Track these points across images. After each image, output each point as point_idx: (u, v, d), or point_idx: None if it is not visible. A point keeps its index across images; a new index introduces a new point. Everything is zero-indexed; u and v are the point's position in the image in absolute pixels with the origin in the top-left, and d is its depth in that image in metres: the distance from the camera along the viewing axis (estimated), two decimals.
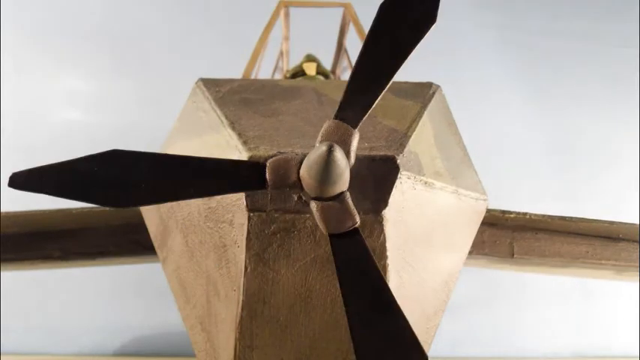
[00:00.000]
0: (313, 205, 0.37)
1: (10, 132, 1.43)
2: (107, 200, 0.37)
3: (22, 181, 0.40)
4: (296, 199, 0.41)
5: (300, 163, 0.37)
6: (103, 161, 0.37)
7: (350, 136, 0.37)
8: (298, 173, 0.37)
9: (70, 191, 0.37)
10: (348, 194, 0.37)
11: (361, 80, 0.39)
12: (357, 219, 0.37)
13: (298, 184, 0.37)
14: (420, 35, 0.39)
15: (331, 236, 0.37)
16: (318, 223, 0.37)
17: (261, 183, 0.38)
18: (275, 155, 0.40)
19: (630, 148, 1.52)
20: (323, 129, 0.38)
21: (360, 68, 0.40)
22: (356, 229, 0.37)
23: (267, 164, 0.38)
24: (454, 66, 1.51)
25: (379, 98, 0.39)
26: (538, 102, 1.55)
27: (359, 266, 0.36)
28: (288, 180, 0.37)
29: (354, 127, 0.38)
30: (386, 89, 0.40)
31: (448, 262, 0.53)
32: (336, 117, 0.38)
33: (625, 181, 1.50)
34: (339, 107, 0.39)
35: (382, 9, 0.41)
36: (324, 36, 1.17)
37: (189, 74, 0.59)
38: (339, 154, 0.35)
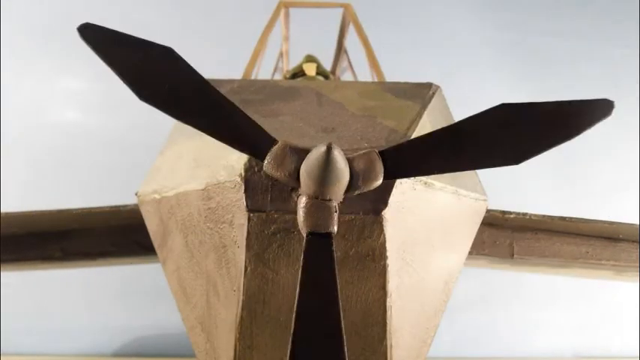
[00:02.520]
0: (303, 199, 0.36)
1: (10, 132, 1.43)
2: (135, 86, 0.38)
3: (91, 33, 0.41)
4: (296, 199, 0.41)
5: (298, 162, 0.37)
6: (158, 53, 0.39)
7: (375, 179, 0.37)
8: (297, 177, 0.37)
9: (118, 65, 0.39)
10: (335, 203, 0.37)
11: (430, 148, 0.38)
12: (336, 228, 0.36)
13: (295, 175, 0.37)
14: (497, 163, 0.37)
15: (309, 235, 0.36)
16: (300, 219, 0.37)
17: (263, 153, 0.38)
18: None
19: (630, 148, 1.52)
20: (360, 153, 0.37)
21: (439, 139, 0.38)
22: (331, 235, 0.36)
23: (279, 142, 0.38)
24: (454, 66, 1.51)
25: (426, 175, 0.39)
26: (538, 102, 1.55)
27: (322, 272, 0.36)
28: (288, 166, 0.37)
29: (385, 177, 0.37)
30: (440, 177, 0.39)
31: (448, 262, 0.53)
32: (382, 153, 0.38)
33: (625, 181, 1.50)
34: (394, 149, 0.38)
35: (501, 109, 0.38)
36: (324, 36, 1.17)
37: None
38: (338, 155, 0.34)
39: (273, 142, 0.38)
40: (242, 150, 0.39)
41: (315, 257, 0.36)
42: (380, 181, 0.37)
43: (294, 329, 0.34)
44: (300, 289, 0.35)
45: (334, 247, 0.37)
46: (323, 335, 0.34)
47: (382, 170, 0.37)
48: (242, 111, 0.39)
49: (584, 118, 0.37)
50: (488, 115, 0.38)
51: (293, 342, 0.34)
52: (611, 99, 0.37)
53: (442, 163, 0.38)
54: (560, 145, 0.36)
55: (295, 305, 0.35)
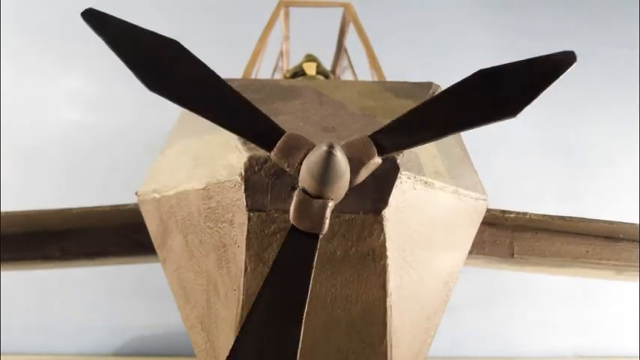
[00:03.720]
0: (298, 193, 0.36)
1: (10, 132, 1.43)
2: (143, 77, 0.37)
3: (94, 18, 0.40)
4: None
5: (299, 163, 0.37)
6: (164, 44, 0.39)
7: (371, 157, 0.37)
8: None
9: (125, 53, 0.38)
10: (332, 205, 0.37)
11: (418, 120, 0.39)
12: (325, 230, 0.36)
13: (298, 168, 0.37)
14: (492, 118, 0.39)
15: (292, 229, 0.36)
16: (292, 211, 0.36)
17: (270, 144, 0.38)
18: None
19: (630, 148, 1.52)
20: (350, 140, 0.38)
21: (425, 110, 0.40)
22: (317, 236, 0.36)
23: (287, 133, 0.38)
24: (454, 66, 1.51)
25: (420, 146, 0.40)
26: (538, 102, 1.55)
27: (296, 270, 0.35)
28: (294, 157, 0.37)
29: (380, 154, 0.38)
30: (431, 143, 0.40)
31: (448, 262, 0.53)
32: (372, 136, 0.38)
33: (625, 181, 1.50)
34: (383, 129, 0.39)
35: (478, 75, 0.41)
36: (324, 36, 1.17)
37: None
38: (339, 154, 0.34)
39: (282, 132, 0.38)
40: (250, 139, 0.39)
41: (292, 255, 0.36)
42: (376, 160, 0.38)
43: (241, 331, 0.33)
44: (266, 284, 0.35)
45: (317, 250, 0.36)
46: (274, 347, 0.33)
47: (375, 149, 0.38)
48: (250, 102, 0.39)
49: (553, 70, 0.41)
50: (469, 81, 0.40)
51: (233, 348, 0.33)
52: (571, 50, 0.42)
53: (434, 129, 0.39)
54: (539, 94, 0.40)
55: (251, 306, 0.34)
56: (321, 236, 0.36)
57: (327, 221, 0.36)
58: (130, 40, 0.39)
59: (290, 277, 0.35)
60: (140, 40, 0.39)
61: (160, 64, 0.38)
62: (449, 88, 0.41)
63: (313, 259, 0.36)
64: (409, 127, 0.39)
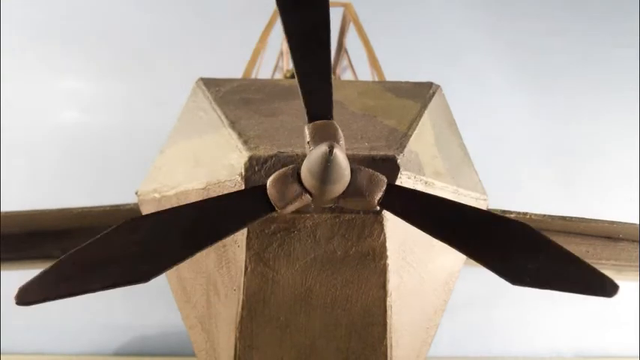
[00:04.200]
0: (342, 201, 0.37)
1: (10, 132, 1.43)
2: (132, 279, 0.37)
3: (31, 293, 0.36)
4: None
5: (296, 171, 0.37)
6: (104, 245, 0.37)
7: (335, 130, 0.37)
8: (299, 180, 0.36)
9: (84, 285, 0.35)
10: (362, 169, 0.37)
11: (309, 76, 0.39)
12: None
13: (303, 189, 0.36)
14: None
15: None
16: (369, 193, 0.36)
17: (271, 206, 0.37)
18: (275, 155, 0.40)
19: (630, 148, 1.52)
20: (310, 132, 0.37)
21: (302, 66, 0.39)
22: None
23: (268, 187, 0.37)
24: (454, 66, 1.51)
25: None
26: (538, 102, 1.55)
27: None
28: (293, 193, 0.36)
29: (380, 207, 0.38)
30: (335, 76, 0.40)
31: (448, 262, 0.53)
32: (311, 119, 0.38)
33: (625, 182, 1.50)
34: (307, 109, 0.38)
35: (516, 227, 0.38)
36: None
37: (190, 74, 0.59)
38: (339, 154, 0.35)
39: (260, 190, 0.37)
40: (255, 220, 0.38)
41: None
42: (373, 207, 0.37)
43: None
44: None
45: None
46: None
47: (379, 197, 0.37)
48: (208, 200, 0.38)
49: (587, 286, 0.36)
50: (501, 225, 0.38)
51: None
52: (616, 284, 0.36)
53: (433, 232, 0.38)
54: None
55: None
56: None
57: None
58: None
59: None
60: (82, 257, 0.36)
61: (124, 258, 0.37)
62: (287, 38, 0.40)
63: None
64: (422, 209, 0.38)
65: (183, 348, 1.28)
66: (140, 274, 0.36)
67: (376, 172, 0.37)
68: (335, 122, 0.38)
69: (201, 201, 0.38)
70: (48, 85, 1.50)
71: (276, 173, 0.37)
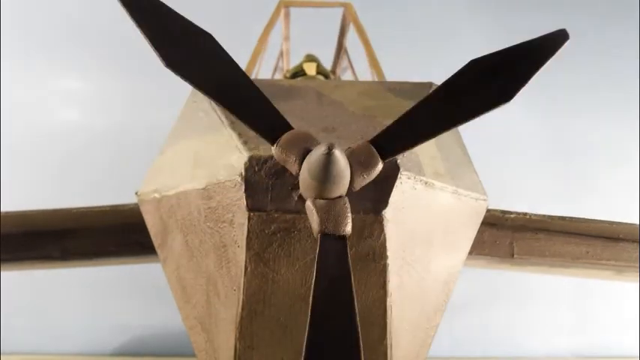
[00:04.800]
0: (311, 202, 0.36)
1: (10, 132, 1.43)
2: (162, 51, 0.38)
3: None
4: (296, 199, 0.41)
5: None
6: (195, 32, 0.40)
7: (374, 165, 0.37)
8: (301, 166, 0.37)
9: (150, 26, 0.39)
10: (347, 199, 0.37)
11: (417, 119, 0.39)
12: (350, 227, 0.36)
13: (298, 164, 0.37)
14: (489, 107, 0.39)
15: (323, 236, 0.36)
16: (314, 221, 0.36)
17: (275, 137, 0.38)
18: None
19: (630, 148, 1.52)
20: (353, 148, 0.38)
21: (423, 108, 0.40)
22: (344, 237, 0.36)
23: (293, 130, 0.38)
24: (454, 66, 1.51)
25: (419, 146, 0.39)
26: (538, 102, 1.55)
27: (338, 276, 0.36)
28: (296, 152, 0.37)
29: (383, 158, 0.38)
30: (431, 140, 0.40)
31: (448, 262, 0.53)
32: (373, 140, 0.38)
33: (625, 182, 1.50)
34: (383, 132, 0.39)
35: (471, 65, 0.41)
36: (324, 36, 1.17)
37: None
38: (339, 154, 0.35)
39: (288, 128, 0.38)
40: (257, 130, 0.39)
41: (330, 261, 0.36)
42: (380, 165, 0.38)
43: (308, 336, 0.34)
44: (315, 294, 0.35)
45: (346, 247, 0.36)
46: (338, 341, 0.34)
47: (377, 155, 0.38)
48: (265, 96, 0.39)
49: (547, 50, 0.40)
50: (463, 73, 0.41)
51: (307, 348, 0.33)
52: (563, 28, 0.41)
53: (433, 126, 0.39)
54: (534, 74, 0.39)
55: (310, 311, 0.34)
56: (348, 236, 0.36)
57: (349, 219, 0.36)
58: (159, 17, 0.39)
59: (334, 287, 0.36)
60: (171, 20, 0.40)
61: (182, 43, 0.39)
62: (443, 83, 0.41)
63: (348, 261, 0.36)
64: (409, 127, 0.39)
65: (183, 348, 1.28)
66: (171, 60, 0.38)
67: (363, 149, 0.38)
68: (380, 162, 0.38)
69: (256, 87, 0.40)
70: (48, 85, 1.50)
71: (304, 133, 0.38)
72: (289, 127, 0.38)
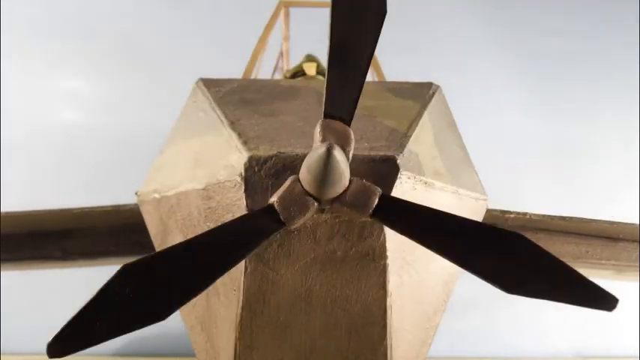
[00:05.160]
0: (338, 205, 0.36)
1: (10, 132, 1.43)
2: (146, 319, 0.36)
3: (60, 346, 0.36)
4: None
5: (298, 181, 0.37)
6: (117, 285, 0.37)
7: (347, 135, 0.37)
8: (305, 191, 0.36)
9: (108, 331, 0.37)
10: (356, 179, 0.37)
11: (340, 73, 0.39)
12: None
13: (306, 192, 0.36)
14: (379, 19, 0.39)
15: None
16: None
17: (281, 222, 0.37)
18: (275, 155, 0.40)
19: (630, 148, 1.52)
20: (318, 129, 0.37)
21: (335, 61, 0.39)
22: None
23: (275, 203, 0.37)
24: (454, 66, 1.51)
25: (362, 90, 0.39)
26: (538, 102, 1.55)
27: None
28: (298, 199, 0.36)
29: (348, 124, 0.37)
30: (366, 80, 0.39)
31: (448, 263, 0.53)
32: (327, 115, 0.38)
33: (625, 181, 1.50)
34: (326, 105, 0.38)
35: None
36: (324, 36, 1.17)
37: (190, 74, 0.59)
38: (338, 154, 0.35)
39: (271, 210, 0.37)
40: (267, 238, 0.38)
41: None
42: (364, 218, 0.37)
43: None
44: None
45: None
46: None
47: (372, 208, 0.37)
48: (217, 229, 0.38)
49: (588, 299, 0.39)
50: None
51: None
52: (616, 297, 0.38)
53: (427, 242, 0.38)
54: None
55: None
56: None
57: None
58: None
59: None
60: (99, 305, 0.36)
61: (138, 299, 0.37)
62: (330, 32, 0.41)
63: None
64: (342, 83, 0.39)
65: (183, 348, 1.28)
66: (157, 314, 0.36)
67: (370, 184, 0.37)
68: (349, 127, 0.37)
69: (208, 232, 0.38)
70: (47, 85, 1.50)
71: (281, 191, 0.37)
72: (272, 209, 0.37)
